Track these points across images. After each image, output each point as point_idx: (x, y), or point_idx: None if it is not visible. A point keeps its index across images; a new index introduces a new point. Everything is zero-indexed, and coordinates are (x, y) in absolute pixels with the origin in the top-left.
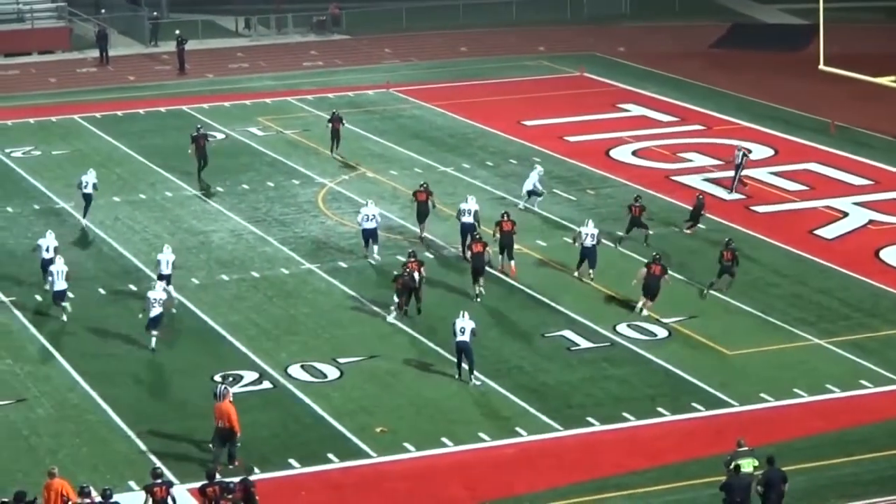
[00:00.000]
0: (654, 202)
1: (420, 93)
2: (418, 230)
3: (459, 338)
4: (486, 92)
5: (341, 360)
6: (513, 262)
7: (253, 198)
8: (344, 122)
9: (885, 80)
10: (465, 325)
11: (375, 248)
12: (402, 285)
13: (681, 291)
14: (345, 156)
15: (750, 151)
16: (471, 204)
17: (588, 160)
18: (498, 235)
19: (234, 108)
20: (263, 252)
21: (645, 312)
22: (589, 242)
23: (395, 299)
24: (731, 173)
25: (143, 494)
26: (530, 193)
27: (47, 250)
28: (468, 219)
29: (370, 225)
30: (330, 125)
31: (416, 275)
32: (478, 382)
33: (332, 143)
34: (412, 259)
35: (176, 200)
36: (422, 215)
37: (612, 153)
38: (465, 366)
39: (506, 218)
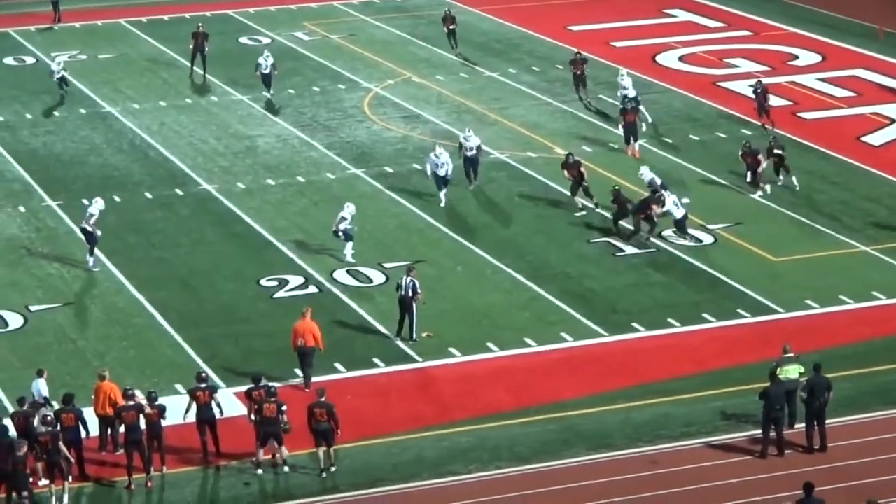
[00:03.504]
0: (700, 108)
1: None
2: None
3: (402, 293)
4: None
5: (387, 265)
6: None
7: (298, 102)
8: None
9: None
10: (407, 282)
11: (443, 191)
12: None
13: (726, 198)
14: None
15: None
16: (472, 139)
17: (634, 65)
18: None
19: (279, 12)
20: (309, 157)
21: (629, 153)
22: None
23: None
24: (778, 80)
25: (187, 398)
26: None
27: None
28: (471, 153)
29: (442, 171)
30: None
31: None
32: (417, 338)
33: (451, 42)
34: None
35: (222, 105)
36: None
37: (659, 59)
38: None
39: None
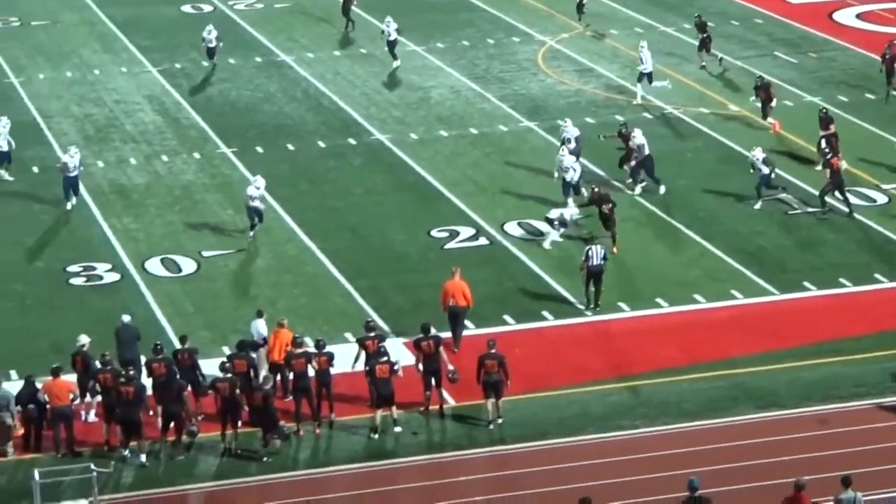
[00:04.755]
0: (877, 66)
1: None
2: None
3: (593, 263)
4: None
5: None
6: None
7: (473, 54)
8: None
9: None
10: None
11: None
12: None
13: None
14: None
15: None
16: (571, 130)
17: (811, 22)
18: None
19: None
20: (482, 109)
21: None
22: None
23: None
24: None
25: (356, 346)
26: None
27: None
28: (572, 145)
29: (568, 176)
30: None
31: None
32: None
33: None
34: None
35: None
36: None
37: (836, 16)
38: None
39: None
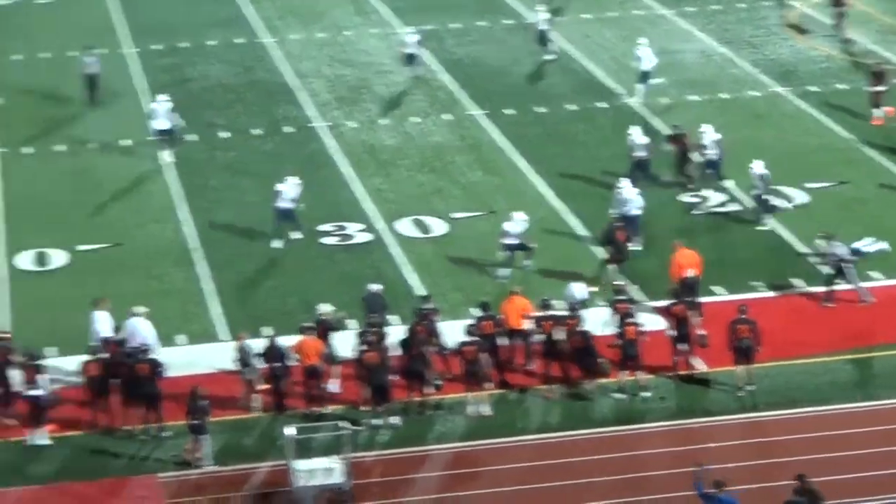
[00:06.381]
0: None
1: None
2: None
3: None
4: None
5: (808, 185)
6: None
7: (723, 18)
8: None
9: None
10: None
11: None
12: None
13: None
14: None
15: None
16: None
17: None
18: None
19: None
20: (732, 73)
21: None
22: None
23: None
24: None
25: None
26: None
27: None
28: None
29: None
30: None
31: None
32: None
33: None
34: None
35: (647, 19)
36: None
37: None
38: None
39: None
